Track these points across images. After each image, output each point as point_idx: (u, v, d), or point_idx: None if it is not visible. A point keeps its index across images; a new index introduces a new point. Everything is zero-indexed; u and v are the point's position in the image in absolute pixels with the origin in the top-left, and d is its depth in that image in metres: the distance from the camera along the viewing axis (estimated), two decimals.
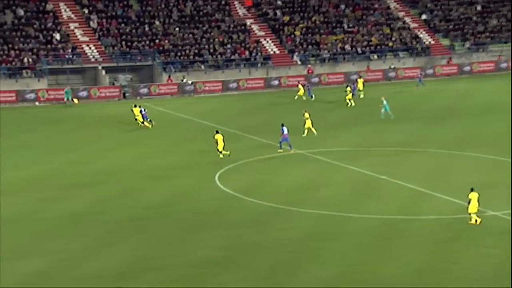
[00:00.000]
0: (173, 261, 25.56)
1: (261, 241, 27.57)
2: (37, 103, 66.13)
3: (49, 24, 74.49)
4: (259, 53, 78.62)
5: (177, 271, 24.62)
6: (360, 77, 70.01)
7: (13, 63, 69.43)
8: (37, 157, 43.30)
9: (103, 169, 39.85)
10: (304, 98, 65.55)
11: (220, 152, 41.31)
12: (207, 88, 73.05)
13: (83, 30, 75.71)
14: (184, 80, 72.86)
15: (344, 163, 39.96)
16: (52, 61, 71.32)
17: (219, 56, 76.97)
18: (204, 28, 79.76)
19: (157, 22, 78.87)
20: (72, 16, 76.76)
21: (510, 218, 29.45)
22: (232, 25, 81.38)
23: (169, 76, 73.45)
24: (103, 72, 72.21)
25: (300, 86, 67.40)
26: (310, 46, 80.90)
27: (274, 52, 79.89)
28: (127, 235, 28.62)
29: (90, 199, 33.83)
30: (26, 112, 62.13)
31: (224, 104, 65.85)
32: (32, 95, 66.67)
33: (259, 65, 77.84)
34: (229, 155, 41.15)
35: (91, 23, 76.50)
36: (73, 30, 75.29)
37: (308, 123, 47.87)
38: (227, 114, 59.32)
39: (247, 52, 78.38)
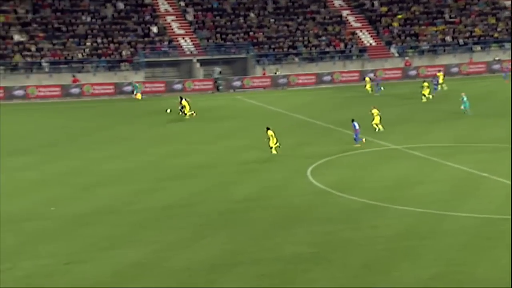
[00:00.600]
0: (263, 256, 25.50)
1: (353, 238, 27.14)
2: (133, 96, 67.66)
3: (147, 17, 76.01)
4: (355, 45, 77.68)
5: (267, 266, 24.53)
6: (439, 71, 68.46)
7: (112, 56, 71.24)
8: (134, 149, 44.21)
9: (197, 162, 40.28)
10: (371, 92, 64.49)
11: (271, 148, 40.75)
12: (300, 81, 72.76)
13: (179, 23, 76.85)
14: (277, 73, 72.82)
15: (442, 159, 38.87)
16: (149, 54, 72.76)
17: (313, 48, 76.52)
18: (299, 20, 79.46)
19: (252, 14, 79.12)
20: (169, 9, 78.04)
21: None
22: (327, 17, 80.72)
23: (263, 69, 73.57)
24: (198, 65, 73.09)
25: (367, 79, 66.29)
26: (408, 38, 79.26)
27: (370, 44, 78.73)
28: (218, 228, 28.78)
29: (183, 192, 34.24)
30: (123, 105, 63.65)
31: (318, 97, 65.40)
32: (129, 88, 68.22)
33: (354, 57, 76.92)
34: (279, 146, 40.89)
35: (187, 15, 77.54)
36: (169, 23, 76.55)
37: (377, 120, 46.93)
38: (320, 107, 58.85)
39: (342, 44, 77.58)
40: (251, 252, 25.97)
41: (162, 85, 69.64)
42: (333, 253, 25.63)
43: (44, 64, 68.65)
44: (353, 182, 35.23)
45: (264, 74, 73.20)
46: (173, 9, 78.17)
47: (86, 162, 40.65)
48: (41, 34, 70.97)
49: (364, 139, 42.92)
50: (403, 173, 36.50)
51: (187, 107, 54.24)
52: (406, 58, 76.98)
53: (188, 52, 74.13)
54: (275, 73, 72.94)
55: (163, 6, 78.00)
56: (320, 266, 24.42)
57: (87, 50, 70.81)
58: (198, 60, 73.41)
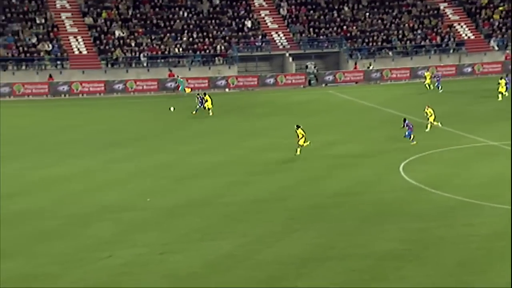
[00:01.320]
0: (354, 252, 25.34)
1: (447, 236, 26.58)
2: (227, 90, 68.38)
3: (242, 12, 76.62)
4: (452, 39, 75.82)
5: (358, 261, 24.37)
6: None
7: (207, 51, 72.24)
8: (226, 143, 44.72)
9: (287, 156, 40.35)
10: (432, 88, 62.50)
11: (301, 146, 39.78)
12: (394, 75, 71.65)
13: (273, 18, 77.09)
14: (371, 67, 71.99)
15: None
16: (243, 48, 73.36)
17: (408, 42, 75.18)
18: (394, 13, 78.23)
19: (346, 8, 78.45)
20: (264, 3, 78.37)
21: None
22: (424, 10, 79.11)
23: (356, 63, 72.89)
24: (290, 59, 73.13)
25: (426, 74, 64.30)
26: (509, 31, 76.66)
27: (469, 37, 76.67)
28: (308, 222, 28.78)
29: (273, 186, 34.39)
30: (216, 98, 64.45)
31: (411, 92, 64.24)
32: (223, 82, 69.03)
33: (451, 51, 75.10)
34: (299, 151, 39.72)
35: (281, 10, 77.68)
36: (263, 18, 76.89)
37: (431, 119, 45.44)
38: (414, 102, 57.77)
39: (438, 38, 75.88)
40: (341, 247, 25.85)
41: (255, 79, 70.07)
42: (426, 250, 25.18)
43: (142, 59, 70.36)
44: (447, 178, 34.47)
45: (356, 68, 72.49)
46: (267, 3, 78.46)
47: (180, 155, 41.42)
48: (140, 30, 72.73)
49: (415, 141, 41.41)
50: (499, 170, 35.42)
51: (209, 102, 53.51)
52: (507, 51, 74.46)
53: (280, 47, 74.27)
54: (368, 68, 72.12)
55: (257, 1, 78.39)
56: (412, 263, 24.05)
57: (183, 45, 72.08)
58: (290, 55, 73.45)
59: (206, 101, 54.19)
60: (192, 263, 24.50)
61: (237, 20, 75.76)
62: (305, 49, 74.14)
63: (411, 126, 41.82)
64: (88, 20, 72.17)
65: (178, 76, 67.40)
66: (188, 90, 64.36)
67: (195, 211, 30.66)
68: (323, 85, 70.20)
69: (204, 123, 51.67)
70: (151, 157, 40.87)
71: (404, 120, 42.34)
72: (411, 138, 41.67)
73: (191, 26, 74.17)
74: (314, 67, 71.62)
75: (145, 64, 70.11)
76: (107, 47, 70.15)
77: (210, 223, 29.08)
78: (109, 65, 69.15)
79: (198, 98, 54.29)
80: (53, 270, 23.86)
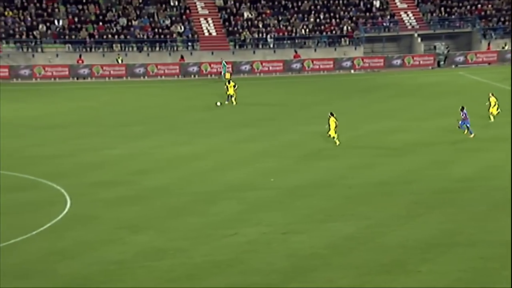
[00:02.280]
0: (483, 238, 24.60)
1: None
2: (352, 71, 67.73)
3: None
4: None
5: (487, 248, 23.62)
6: None
7: (333, 32, 71.76)
8: (349, 124, 44.35)
9: (413, 139, 39.57)
10: None
11: (332, 137, 38.19)
12: None
13: None
14: (506, 48, 68.99)
15: None
16: (370, 29, 72.31)
17: None
18: None
19: None
20: None
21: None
22: None
23: (489, 44, 70.13)
24: (419, 39, 71.38)
25: None
26: None
27: None
28: (434, 207, 28.16)
29: (398, 169, 33.86)
30: (342, 80, 64.04)
31: None
32: (348, 63, 68.40)
33: None
34: (334, 139, 38.22)
35: None
36: None
37: (493, 110, 42.58)
38: None
39: None
40: (469, 233, 25.15)
41: (381, 60, 68.97)
42: None
43: (269, 40, 70.88)
44: None
45: (489, 48, 69.74)
46: None
47: (304, 135, 41.54)
48: (268, 11, 73.24)
49: (470, 133, 39.16)
50: None
51: (231, 89, 51.54)
52: None
53: (409, 27, 72.62)
54: (503, 48, 69.16)
55: None
56: None
57: (309, 25, 71.96)
58: (419, 35, 71.68)
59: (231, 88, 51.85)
60: (314, 244, 24.62)
61: (365, 0, 74.67)
62: (435, 29, 72.12)
63: (466, 116, 39.24)
64: (219, 2, 73.46)
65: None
66: (228, 76, 63.75)
67: (318, 192, 30.73)
68: (453, 66, 68.10)
69: (329, 105, 51.46)
70: (276, 137, 41.24)
71: (462, 108, 39.82)
72: (465, 130, 39.25)
73: (318, 7, 73.86)
74: (446, 48, 69.48)
75: (271, 45, 70.59)
76: (235, 29, 71.17)
77: (333, 204, 29.07)
78: (237, 46, 70.17)
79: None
80: (182, 245, 24.67)
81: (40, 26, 67.14)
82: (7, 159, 35.95)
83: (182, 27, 70.37)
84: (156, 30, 69.58)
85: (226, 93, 52.02)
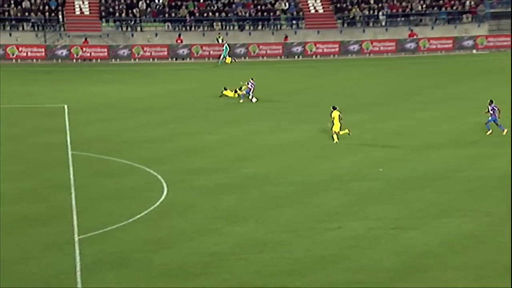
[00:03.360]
0: None
1: None
2: (474, 51, 65.87)
3: None
4: None
5: None
6: None
7: (454, 7, 69.89)
8: (471, 110, 43.17)
9: None
10: None
11: (335, 134, 36.34)
12: None
13: None
14: None
15: None
16: (496, 3, 69.98)
17: None
18: None
19: None
20: None
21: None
22: None
23: None
24: None
25: None
26: None
27: None
28: None
29: None
30: (462, 61, 62.42)
31: None
32: (470, 42, 66.58)
33: None
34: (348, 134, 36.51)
35: None
36: None
37: None
38: None
39: None
40: None
41: (508, 39, 66.73)
42: None
43: (381, 17, 69.88)
44: None
45: None
46: None
47: (417, 122, 40.79)
48: None
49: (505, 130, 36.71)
50: None
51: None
52: None
53: None
54: None
55: None
56: None
57: (427, 1, 70.37)
58: None
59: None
60: (427, 241, 24.17)
61: None
62: None
63: (496, 111, 36.80)
64: None
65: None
66: (228, 60, 62.05)
67: (432, 184, 30.13)
68: None
69: (445, 88, 50.31)
70: (386, 124, 40.73)
71: (491, 102, 37.45)
72: (489, 130, 36.88)
73: None
74: None
75: (383, 23, 69.60)
76: (344, 5, 70.55)
77: (449, 198, 28.43)
78: (345, 25, 69.62)
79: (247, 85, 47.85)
80: (282, 238, 24.78)
81: (140, 3, 68.86)
82: (104, 143, 37.16)
83: (287, 4, 70.43)
84: (258, 7, 69.97)
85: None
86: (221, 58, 62.87)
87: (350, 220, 26.33)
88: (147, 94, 50.47)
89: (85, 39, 65.33)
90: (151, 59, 64.68)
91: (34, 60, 63.31)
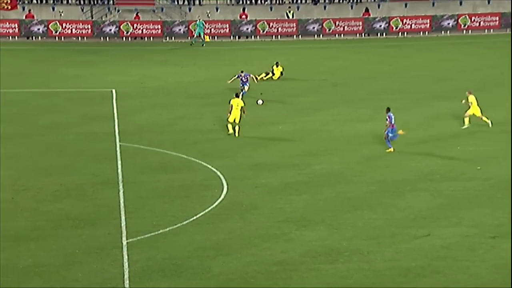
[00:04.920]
0: None
1: None
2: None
3: None
4: None
5: None
6: None
7: None
8: None
9: None
10: None
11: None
12: None
13: None
14: None
15: None
16: None
17: None
18: None
19: None
20: None
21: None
22: None
23: None
24: None
25: None
26: None
27: None
28: None
29: None
30: None
31: None
32: None
33: None
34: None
35: None
36: None
37: (472, 111, 37.70)
38: None
39: None
40: None
41: None
42: None
43: None
44: None
45: None
46: None
47: None
48: None
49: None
50: None
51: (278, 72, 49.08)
52: None
53: None
54: None
55: None
56: None
57: None
58: None
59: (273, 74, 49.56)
60: None
61: None
62: None
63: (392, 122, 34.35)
64: None
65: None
66: (207, 39, 61.18)
67: None
68: None
69: None
70: (488, 113, 39.97)
71: (388, 110, 34.91)
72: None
73: None
74: None
75: None
76: None
77: None
78: None
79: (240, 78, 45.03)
80: (360, 246, 24.65)
81: None
82: (156, 133, 37.56)
83: None
84: None
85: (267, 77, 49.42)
86: (194, 36, 62.69)
87: (441, 227, 26.03)
88: (205, 78, 50.79)
89: (136, 14, 66.09)
90: (210, 38, 65.02)
91: (79, 38, 64.39)
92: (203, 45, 61.80)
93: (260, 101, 41.49)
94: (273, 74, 49.58)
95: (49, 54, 57.62)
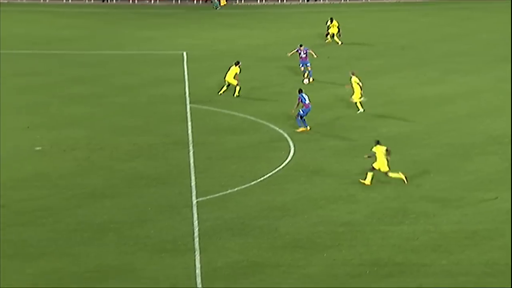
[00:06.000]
0: None
1: None
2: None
3: None
4: None
5: None
6: None
7: None
8: None
9: None
10: None
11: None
12: None
13: None
14: None
15: None
16: None
17: None
18: None
19: None
20: None
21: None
22: None
23: None
24: None
25: None
26: None
27: None
28: None
29: None
30: None
31: None
32: None
33: None
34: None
35: None
36: None
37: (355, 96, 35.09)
38: None
39: None
40: None
41: None
42: None
43: None
44: None
45: None
46: None
47: None
48: None
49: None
50: None
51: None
52: None
53: None
54: None
55: None
56: None
57: None
58: None
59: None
60: None
61: None
62: None
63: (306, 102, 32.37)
64: None
65: None
66: (223, 2, 59.86)
67: None
68: None
69: None
70: None
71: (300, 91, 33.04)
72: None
73: None
74: None
75: None
76: None
77: None
78: None
79: None
80: (427, 208, 24.60)
81: None
82: (225, 95, 37.52)
83: None
84: None
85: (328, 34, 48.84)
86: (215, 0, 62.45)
87: (509, 190, 25.65)
88: (274, 41, 50.54)
89: None
90: (279, 0, 64.58)
91: (152, 1, 64.58)
92: (216, 8, 61.51)
93: (306, 81, 40.21)
94: (328, 32, 48.84)
95: (123, 17, 57.99)
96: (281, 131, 32.29)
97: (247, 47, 48.76)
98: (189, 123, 33.01)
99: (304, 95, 32.31)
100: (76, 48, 47.03)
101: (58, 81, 39.65)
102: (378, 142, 26.84)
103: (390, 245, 22.26)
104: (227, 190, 26.30)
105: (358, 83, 34.38)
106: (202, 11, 62.02)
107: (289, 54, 41.32)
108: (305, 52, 39.79)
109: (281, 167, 28.39)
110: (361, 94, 34.31)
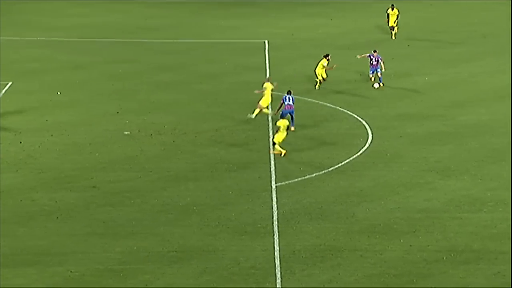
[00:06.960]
0: None
1: None
2: None
3: None
4: None
5: None
6: None
7: None
8: None
9: None
10: None
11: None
12: None
13: None
14: None
15: None
16: None
17: None
18: None
19: None
20: None
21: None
22: None
23: None
24: None
25: None
26: None
27: None
28: None
29: None
30: None
31: None
32: None
33: None
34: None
35: None
36: None
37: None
38: None
39: None
40: None
41: None
42: None
43: None
44: None
45: None
46: None
47: None
48: None
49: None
50: None
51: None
52: None
53: None
54: None
55: None
56: None
57: None
58: None
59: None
60: None
61: None
62: None
63: (287, 103, 30.64)
64: None
65: None
66: None
67: None
68: None
69: None
70: None
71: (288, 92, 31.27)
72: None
73: None
74: None
75: None
76: None
77: None
78: None
79: None
80: (505, 197, 24.29)
81: None
82: (305, 83, 37.47)
83: None
84: None
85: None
86: None
87: None
88: (353, 29, 50.14)
89: None
90: None
91: None
92: None
93: (376, 85, 38.86)
94: (388, 20, 47.13)
95: (207, 7, 58.33)
96: (359, 118, 32.11)
97: (327, 35, 48.52)
98: (270, 110, 33.06)
99: (290, 96, 30.78)
100: (163, 37, 47.55)
101: (146, 69, 40.21)
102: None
103: (467, 232, 21.96)
104: (305, 175, 26.31)
105: (271, 90, 32.05)
106: (284, 0, 61.97)
107: (359, 57, 39.60)
108: (376, 59, 37.31)
109: (359, 154, 28.27)
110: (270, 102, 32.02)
